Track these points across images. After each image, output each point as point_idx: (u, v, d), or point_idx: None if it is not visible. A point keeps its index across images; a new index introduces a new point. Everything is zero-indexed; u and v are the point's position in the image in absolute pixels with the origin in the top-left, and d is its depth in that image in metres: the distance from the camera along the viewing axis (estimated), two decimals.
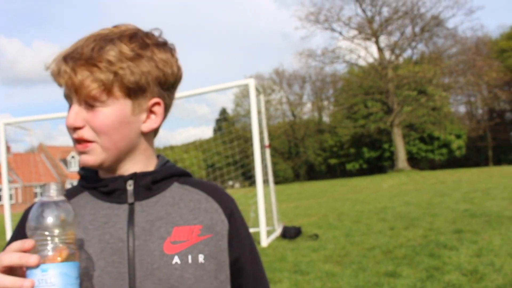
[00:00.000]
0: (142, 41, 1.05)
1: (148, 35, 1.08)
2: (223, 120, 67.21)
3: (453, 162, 51.73)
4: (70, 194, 1.13)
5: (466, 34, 48.15)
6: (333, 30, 49.87)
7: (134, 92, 1.04)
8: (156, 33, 1.11)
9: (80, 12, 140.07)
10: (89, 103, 1.02)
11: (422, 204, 13.54)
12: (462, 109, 60.27)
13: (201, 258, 1.05)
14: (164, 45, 1.10)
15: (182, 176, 1.18)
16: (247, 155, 18.57)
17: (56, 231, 0.85)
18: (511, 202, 11.72)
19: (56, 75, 1.02)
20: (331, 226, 10.91)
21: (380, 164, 54.03)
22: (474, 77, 46.14)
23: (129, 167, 1.10)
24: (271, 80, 63.77)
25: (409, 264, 6.32)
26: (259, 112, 10.65)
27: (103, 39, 1.02)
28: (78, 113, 1.02)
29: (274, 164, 10.60)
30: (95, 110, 1.02)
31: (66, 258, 0.85)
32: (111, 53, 1.00)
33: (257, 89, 10.40)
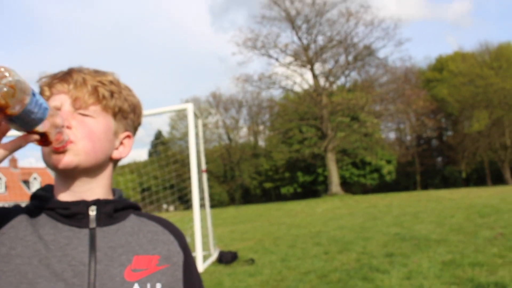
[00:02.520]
0: (119, 84, 1.18)
1: (119, 82, 1.18)
2: (159, 143, 66.36)
3: (384, 187, 53.48)
4: (26, 210, 1.11)
5: (396, 64, 50.45)
6: (270, 56, 50.71)
7: (119, 116, 1.15)
8: (116, 77, 1.20)
9: (14, 29, 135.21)
10: (81, 112, 1.09)
11: (355, 228, 13.87)
12: (392, 135, 62.67)
13: (158, 286, 1.08)
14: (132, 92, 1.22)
15: (136, 209, 1.22)
16: (184, 179, 18.40)
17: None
18: (438, 225, 12.23)
19: (56, 81, 1.10)
20: (267, 250, 10.96)
21: (314, 188, 54.93)
22: (403, 105, 48.19)
23: (92, 191, 1.13)
24: (208, 103, 63.88)
25: None
26: (196, 136, 10.64)
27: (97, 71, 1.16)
28: (71, 114, 1.08)
29: (209, 187, 10.56)
30: (85, 117, 1.09)
31: None
32: (110, 77, 1.14)
33: (195, 114, 10.41)
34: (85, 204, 1.10)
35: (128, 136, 1.20)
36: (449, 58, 56.97)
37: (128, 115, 1.18)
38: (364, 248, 9.67)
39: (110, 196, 1.18)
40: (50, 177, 67.95)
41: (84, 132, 1.07)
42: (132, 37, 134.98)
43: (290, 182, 56.26)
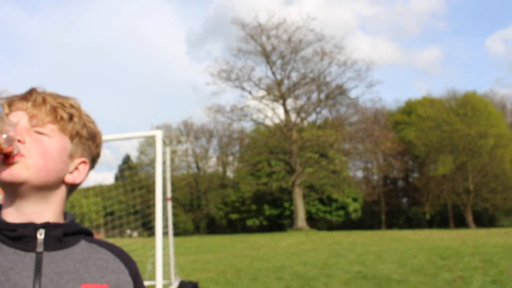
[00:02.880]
0: (80, 110, 1.16)
1: (80, 108, 1.17)
2: (126, 168, 65.54)
3: (349, 224, 53.77)
4: None
5: (366, 105, 51.39)
6: (243, 89, 51.08)
7: (75, 140, 1.13)
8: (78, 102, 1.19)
9: None
10: (37, 130, 1.07)
11: (318, 264, 13.87)
12: (359, 174, 63.34)
13: None
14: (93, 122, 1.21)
15: (88, 234, 1.20)
16: (149, 205, 18.17)
17: None
18: (400, 265, 12.34)
19: (16, 99, 1.09)
20: (229, 283, 10.86)
21: (280, 222, 54.82)
22: (372, 145, 48.98)
23: (42, 214, 1.09)
24: (179, 131, 63.69)
25: None
26: (164, 163, 10.58)
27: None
28: (27, 130, 1.06)
29: (174, 215, 10.46)
30: (40, 135, 1.07)
31: None
32: (71, 101, 1.14)
33: (163, 141, 10.38)
34: (34, 227, 1.06)
35: (83, 162, 1.17)
36: (418, 102, 58.38)
37: (86, 141, 1.16)
38: (325, 285, 9.68)
39: (61, 221, 1.15)
40: None
41: (38, 149, 1.05)
42: (106, 60, 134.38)
43: (256, 214, 56.06)
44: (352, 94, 52.29)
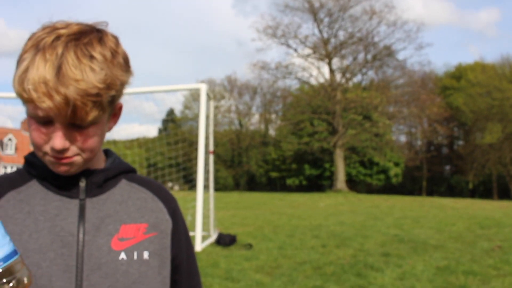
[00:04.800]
0: (111, 47, 1.01)
1: (107, 36, 1.03)
2: (170, 121, 66.52)
3: (389, 188, 53.34)
4: (17, 180, 1.12)
5: (414, 68, 50.08)
6: (288, 46, 50.57)
7: (113, 103, 1.04)
8: (104, 26, 1.06)
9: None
10: (77, 125, 0.99)
11: (355, 225, 13.94)
12: (402, 138, 62.36)
13: (146, 254, 1.10)
14: (120, 46, 1.06)
15: (129, 172, 1.22)
16: (190, 158, 18.52)
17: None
18: (437, 231, 12.27)
19: (44, 97, 0.92)
20: (266, 237, 11.06)
21: (319, 183, 54.91)
22: (417, 110, 47.94)
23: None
24: (223, 87, 63.89)
25: (336, 281, 6.53)
26: (207, 117, 10.71)
27: (82, 51, 0.95)
28: (66, 136, 0.99)
29: (215, 170, 10.60)
30: (82, 130, 1.00)
31: None
32: (102, 70, 0.96)
33: (208, 95, 10.47)
34: (76, 175, 1.09)
35: (119, 107, 1.13)
36: (469, 68, 56.45)
37: (121, 93, 1.06)
38: (361, 246, 9.75)
39: (101, 163, 1.17)
40: None
41: (86, 147, 1.02)
42: (153, 11, 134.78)
43: (296, 173, 56.25)
44: (400, 56, 50.76)
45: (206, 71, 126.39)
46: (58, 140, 0.98)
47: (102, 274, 1.04)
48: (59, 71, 0.92)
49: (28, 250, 1.02)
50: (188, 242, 1.26)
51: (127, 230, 1.11)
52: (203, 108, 9.95)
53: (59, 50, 0.94)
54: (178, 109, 73.20)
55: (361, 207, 24.00)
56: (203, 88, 9.98)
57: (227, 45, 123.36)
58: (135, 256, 1.09)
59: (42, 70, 0.93)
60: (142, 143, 23.21)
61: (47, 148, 1.01)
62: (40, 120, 0.98)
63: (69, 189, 1.10)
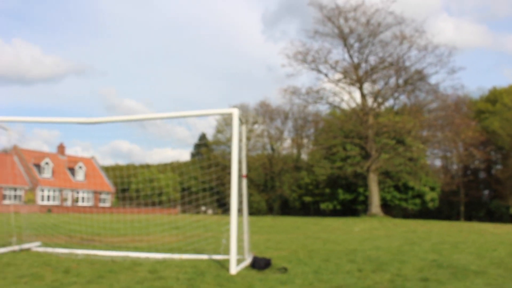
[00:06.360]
0: None
1: None
2: (202, 146, 67.08)
3: (425, 213, 52.34)
4: None
5: (447, 92, 49.21)
6: (319, 71, 50.59)
7: None
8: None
9: (61, 12, 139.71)
10: None
11: (391, 250, 13.65)
12: (438, 162, 61.34)
13: None
14: None
15: None
16: (223, 182, 18.60)
17: None
18: (478, 257, 11.90)
19: None
20: (301, 262, 10.93)
21: (353, 207, 54.31)
22: (452, 134, 47.12)
23: None
24: (256, 111, 64.23)
25: None
26: (240, 142, 10.76)
27: None
28: None
29: (249, 195, 10.55)
30: None
31: None
32: None
33: (240, 119, 10.54)
34: None
35: None
36: (504, 91, 55.45)
37: None
38: (399, 270, 9.53)
39: None
40: (94, 167, 69.73)
41: None
42: (185, 38, 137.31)
43: (330, 198, 55.83)
44: (432, 80, 50.27)
45: (239, 96, 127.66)
46: None
47: None
48: None
49: None
50: None
51: None
52: (235, 133, 10.00)
53: None
54: (210, 133, 73.91)
55: (397, 231, 23.53)
56: (236, 113, 10.05)
57: (258, 70, 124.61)
58: None
59: None
60: (175, 167, 23.42)
61: None
62: None
63: None
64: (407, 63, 47.70)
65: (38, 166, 61.57)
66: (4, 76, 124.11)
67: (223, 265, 10.02)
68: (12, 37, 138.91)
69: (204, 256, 11.41)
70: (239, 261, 10.14)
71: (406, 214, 53.90)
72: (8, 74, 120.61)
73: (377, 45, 48.20)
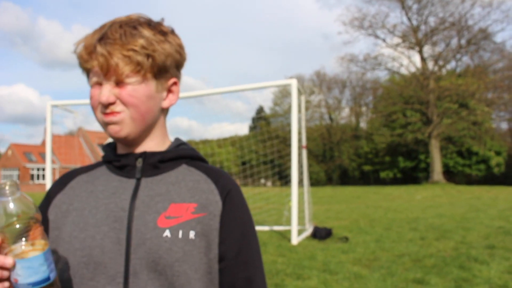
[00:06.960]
0: (160, 28, 1.18)
1: (159, 23, 1.20)
2: (260, 119, 67.31)
3: (490, 179, 50.58)
4: (92, 166, 1.32)
5: None
6: (376, 36, 49.46)
7: (159, 72, 1.16)
8: (163, 22, 1.23)
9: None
10: (120, 81, 1.12)
11: (455, 217, 13.43)
12: (504, 125, 58.83)
13: (192, 234, 1.12)
14: (175, 32, 1.23)
15: (194, 159, 1.29)
16: (282, 155, 18.71)
17: (17, 226, 0.96)
18: None
19: (88, 57, 1.12)
20: (362, 231, 10.97)
21: (414, 175, 53.26)
22: None
23: (146, 142, 1.24)
24: (312, 82, 63.67)
25: (438, 274, 6.37)
26: (299, 112, 10.79)
27: (128, 25, 1.13)
28: (111, 90, 1.13)
29: (308, 165, 10.52)
30: (125, 86, 1.13)
31: (29, 254, 0.97)
32: (143, 37, 1.12)
33: (299, 90, 10.55)
34: (133, 156, 1.21)
35: (174, 83, 1.24)
36: None
37: (169, 66, 1.19)
38: (463, 238, 9.40)
39: (164, 146, 1.27)
40: None
41: (128, 101, 1.14)
42: (238, 13, 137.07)
43: (390, 166, 54.97)
44: (498, 38, 48.24)
45: (294, 68, 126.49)
46: (102, 94, 1.13)
47: (146, 249, 1.10)
48: (102, 36, 1.12)
49: (87, 224, 1.15)
50: (244, 230, 1.21)
51: (176, 208, 1.15)
52: (294, 104, 10.03)
53: (108, 24, 1.15)
54: (266, 106, 73.91)
55: (460, 199, 23.01)
56: (294, 84, 10.07)
57: (313, 40, 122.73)
58: (180, 235, 1.11)
59: (90, 38, 1.14)
60: (234, 141, 23.71)
61: (99, 107, 1.17)
62: (93, 83, 1.16)
63: (128, 169, 1.22)
64: (470, 22, 45.79)
65: (102, 146, 64.04)
66: (67, 62, 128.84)
67: (285, 235, 10.21)
68: (72, 24, 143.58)
69: (266, 228, 11.65)
70: (300, 232, 10.31)
71: (470, 181, 52.28)
72: (70, 60, 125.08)
73: (437, 4, 46.35)
